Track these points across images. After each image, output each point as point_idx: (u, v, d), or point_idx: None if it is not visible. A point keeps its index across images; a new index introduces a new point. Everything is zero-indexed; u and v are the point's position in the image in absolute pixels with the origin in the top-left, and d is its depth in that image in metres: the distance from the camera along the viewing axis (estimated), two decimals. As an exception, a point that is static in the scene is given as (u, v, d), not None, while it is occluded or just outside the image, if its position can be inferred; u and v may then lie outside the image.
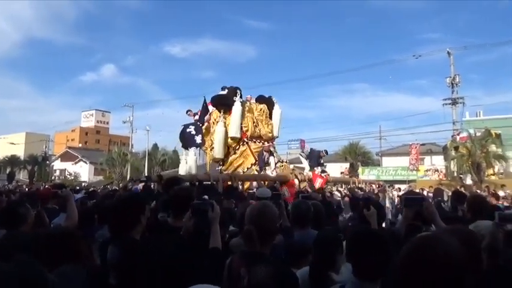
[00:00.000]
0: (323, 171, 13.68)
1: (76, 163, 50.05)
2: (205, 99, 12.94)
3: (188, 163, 12.88)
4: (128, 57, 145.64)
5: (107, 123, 76.99)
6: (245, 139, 12.54)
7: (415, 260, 1.19)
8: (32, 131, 65.58)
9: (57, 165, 52.54)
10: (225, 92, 13.07)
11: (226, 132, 12.18)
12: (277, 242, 2.86)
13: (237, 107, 12.11)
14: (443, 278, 1.14)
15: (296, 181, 11.48)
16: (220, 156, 12.24)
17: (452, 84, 31.49)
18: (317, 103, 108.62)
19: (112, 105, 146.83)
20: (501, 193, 12.17)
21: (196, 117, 13.31)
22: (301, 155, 15.62)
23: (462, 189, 13.49)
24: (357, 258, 1.96)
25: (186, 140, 12.88)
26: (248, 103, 13.00)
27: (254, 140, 12.75)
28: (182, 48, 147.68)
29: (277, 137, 13.80)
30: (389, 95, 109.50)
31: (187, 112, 13.94)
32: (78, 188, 15.78)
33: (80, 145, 65.84)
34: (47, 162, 50.26)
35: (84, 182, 41.19)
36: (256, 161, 12.09)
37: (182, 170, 13.15)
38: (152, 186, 8.83)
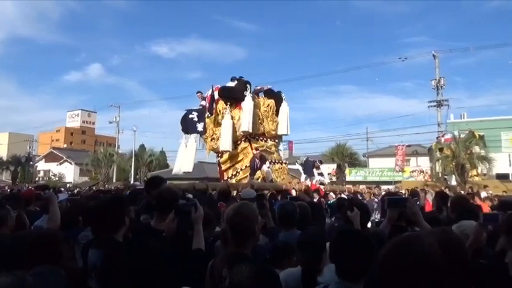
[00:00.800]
0: (321, 183, 13.27)
1: (61, 164, 49.24)
2: (213, 88, 12.62)
3: (188, 147, 12.70)
4: (114, 56, 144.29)
5: (93, 123, 75.97)
6: (248, 136, 12.21)
7: (394, 259, 1.20)
8: (15, 131, 64.47)
9: (41, 166, 51.63)
10: (233, 83, 12.70)
11: (233, 125, 11.87)
12: (262, 243, 2.86)
13: (248, 102, 11.77)
14: (421, 278, 1.15)
15: (293, 192, 11.05)
16: (228, 148, 11.81)
17: (437, 86, 32.02)
18: (303, 105, 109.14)
19: (98, 105, 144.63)
20: (483, 194, 12.38)
21: (203, 102, 13.09)
22: (296, 162, 15.36)
23: (446, 190, 13.72)
24: (341, 258, 1.97)
25: (188, 125, 12.61)
26: (256, 97, 12.63)
27: (257, 137, 12.43)
28: (169, 49, 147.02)
29: (286, 134, 13.39)
30: (376, 97, 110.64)
31: (197, 93, 13.63)
32: (62, 188, 15.52)
33: (65, 145, 64.86)
34: (31, 163, 49.35)
35: (69, 183, 40.56)
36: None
37: (181, 154, 13.00)
38: None
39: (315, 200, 8.70)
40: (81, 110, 75.18)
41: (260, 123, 12.43)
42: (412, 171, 33.72)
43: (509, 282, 1.96)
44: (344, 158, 38.77)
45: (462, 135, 24.52)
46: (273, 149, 13.09)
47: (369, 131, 43.04)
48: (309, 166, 14.38)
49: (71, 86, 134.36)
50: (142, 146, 45.36)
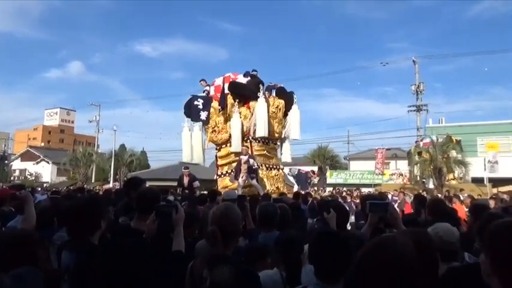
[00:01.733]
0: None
1: (38, 163, 47.99)
2: (223, 80, 12.21)
3: (194, 138, 12.42)
4: (95, 54, 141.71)
5: (72, 122, 74.38)
6: (250, 137, 11.66)
7: (370, 260, 1.22)
8: (-10, 129, 62.48)
9: (17, 165, 50.20)
10: (245, 80, 12.11)
11: (242, 125, 11.44)
12: (241, 244, 2.86)
13: (261, 104, 11.33)
14: (396, 278, 1.17)
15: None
16: (238, 149, 11.24)
17: (416, 91, 32.75)
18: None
19: (78, 104, 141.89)
20: (463, 196, 12.67)
21: (207, 87, 12.72)
22: (288, 174, 14.55)
23: (424, 193, 14.02)
24: (320, 260, 1.98)
25: (191, 111, 12.21)
26: (267, 96, 12.10)
27: (259, 139, 11.82)
28: (152, 48, 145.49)
29: (296, 139, 12.84)
30: (358, 101, 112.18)
31: (200, 81, 13.19)
32: (39, 188, 15.12)
33: (43, 144, 63.24)
34: (6, 161, 47.96)
35: (46, 182, 39.62)
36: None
37: (186, 141, 12.61)
38: None
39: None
40: (60, 108, 73.49)
41: (277, 121, 12.06)
42: (392, 174, 34.28)
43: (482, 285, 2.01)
44: (325, 160, 39.14)
45: (440, 140, 25.12)
46: (273, 153, 12.62)
47: (351, 134, 43.62)
48: (302, 179, 13.99)
49: (50, 84, 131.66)
50: (122, 146, 44.61)
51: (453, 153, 24.63)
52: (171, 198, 4.88)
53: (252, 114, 11.64)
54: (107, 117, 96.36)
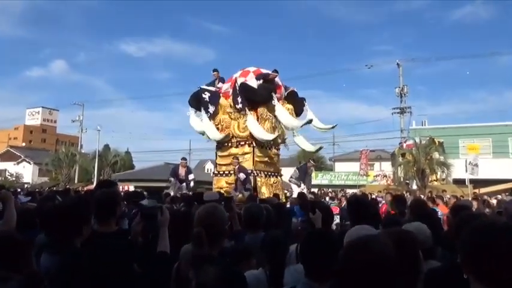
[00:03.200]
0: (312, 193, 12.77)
1: (18, 163, 46.94)
2: (236, 81, 11.67)
3: (205, 122, 11.95)
4: (80, 53, 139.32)
5: (55, 121, 73.01)
6: (254, 142, 11.38)
7: (351, 259, 1.25)
8: (-32, 128, 60.86)
9: (-3, 165, 49.08)
10: (255, 83, 11.58)
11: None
12: (227, 245, 2.86)
13: (280, 109, 11.36)
14: (377, 276, 1.20)
15: None
16: (265, 137, 11.10)
17: (400, 94, 33.26)
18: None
19: (61, 103, 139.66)
20: (446, 197, 12.91)
21: (220, 84, 12.45)
22: (290, 181, 13.74)
23: (407, 194, 14.22)
24: (309, 259, 2.00)
25: (201, 104, 11.94)
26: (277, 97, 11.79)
27: (262, 145, 11.56)
28: (138, 48, 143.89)
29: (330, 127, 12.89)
30: (343, 103, 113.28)
31: (213, 71, 12.88)
32: (19, 189, 14.78)
33: (24, 144, 61.92)
34: (-15, 161, 46.81)
35: (27, 183, 38.78)
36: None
37: (197, 125, 12.26)
38: None
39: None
40: (42, 107, 72.07)
41: (273, 128, 11.69)
42: (376, 176, 34.72)
43: (461, 284, 2.05)
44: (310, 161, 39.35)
45: (423, 142, 25.54)
46: (274, 159, 12.40)
47: (336, 136, 43.92)
48: (303, 170, 13.91)
49: (33, 83, 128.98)
50: (106, 146, 44.06)
51: (436, 155, 25.10)
52: (145, 202, 4.69)
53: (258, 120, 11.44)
54: (92, 117, 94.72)
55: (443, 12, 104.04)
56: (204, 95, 11.89)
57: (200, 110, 12.17)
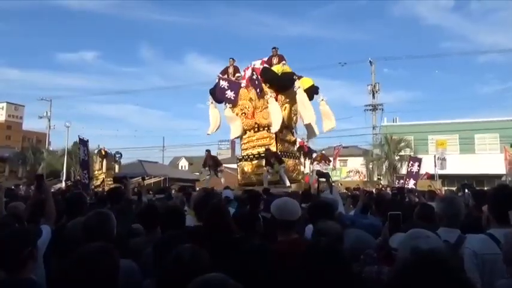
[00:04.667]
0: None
1: (-19, 161, 44.80)
2: (254, 71, 12.26)
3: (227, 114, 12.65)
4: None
5: (21, 117, 70.12)
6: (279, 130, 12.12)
7: None
8: None
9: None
10: (276, 66, 12.43)
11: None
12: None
13: (302, 95, 11.74)
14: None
15: None
16: (278, 129, 11.69)
17: (372, 91, 33.90)
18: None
19: (26, 99, 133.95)
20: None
21: (238, 74, 13.05)
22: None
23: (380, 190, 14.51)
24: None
25: (216, 92, 12.61)
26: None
27: (281, 129, 12.16)
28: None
29: (332, 128, 13.31)
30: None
31: (230, 59, 13.68)
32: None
33: (-14, 141, 59.13)
34: None
35: (-10, 182, 37.07)
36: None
37: (214, 114, 12.99)
38: None
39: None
40: (7, 102, 68.99)
41: (294, 115, 12.54)
42: (349, 172, 35.29)
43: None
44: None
45: (394, 137, 26.18)
46: (292, 142, 13.33)
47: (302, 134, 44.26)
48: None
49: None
50: (76, 143, 42.68)
51: (406, 151, 25.78)
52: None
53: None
54: (62, 114, 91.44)
55: (412, 11, 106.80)
56: (222, 83, 12.45)
57: (220, 102, 12.91)
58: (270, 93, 11.89)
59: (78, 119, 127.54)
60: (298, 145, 14.68)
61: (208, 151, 13.79)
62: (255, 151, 12.31)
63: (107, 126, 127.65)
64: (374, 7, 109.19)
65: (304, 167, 14.96)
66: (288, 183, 11.30)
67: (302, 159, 14.35)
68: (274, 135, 12.11)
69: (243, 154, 12.90)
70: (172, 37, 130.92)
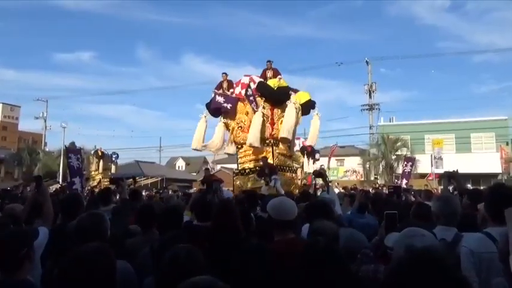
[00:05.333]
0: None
1: (-24, 162, 44.55)
2: (249, 86, 12.31)
3: (217, 130, 12.69)
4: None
5: (16, 118, 69.79)
6: (271, 140, 12.03)
7: None
8: None
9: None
10: (273, 80, 12.48)
11: (264, 123, 11.77)
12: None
13: (290, 110, 11.77)
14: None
15: None
16: (255, 144, 11.57)
17: (369, 91, 33.98)
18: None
19: (22, 99, 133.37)
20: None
21: (232, 89, 13.07)
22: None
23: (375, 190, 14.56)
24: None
25: (213, 106, 12.64)
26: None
27: (277, 143, 12.17)
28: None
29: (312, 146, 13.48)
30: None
31: (222, 74, 13.68)
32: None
33: (-18, 142, 58.85)
34: None
35: (-15, 183, 36.90)
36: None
37: (201, 127, 13.00)
38: None
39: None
40: (3, 103, 68.65)
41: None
42: (346, 171, 35.36)
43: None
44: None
45: (391, 137, 26.24)
46: (288, 155, 13.18)
47: (307, 132, 44.32)
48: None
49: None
50: (72, 144, 42.50)
51: (403, 150, 25.85)
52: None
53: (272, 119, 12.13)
54: (57, 114, 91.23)
55: (407, 11, 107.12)
56: (218, 98, 12.50)
57: (217, 116, 12.93)
58: (261, 107, 11.94)
59: (74, 119, 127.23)
60: (301, 145, 14.78)
61: (206, 170, 13.55)
62: (251, 165, 12.19)
63: (104, 127, 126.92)
64: (370, 7, 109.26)
65: (308, 167, 15.00)
66: (283, 193, 11.13)
67: (305, 159, 14.33)
68: (270, 149, 12.11)
69: (239, 168, 12.81)
70: (169, 37, 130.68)
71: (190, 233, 2.69)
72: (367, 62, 34.57)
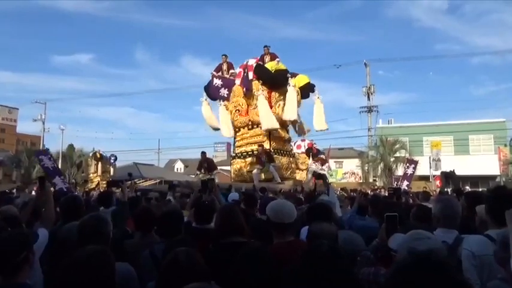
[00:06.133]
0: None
1: (-26, 164, 44.39)
2: (246, 68, 12.45)
3: (221, 115, 12.63)
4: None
5: (15, 120, 69.59)
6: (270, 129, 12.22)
7: None
8: None
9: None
10: (270, 63, 12.52)
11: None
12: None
13: (292, 92, 11.81)
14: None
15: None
16: (270, 126, 11.67)
17: (368, 93, 34.02)
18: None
19: (21, 101, 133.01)
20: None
21: (232, 71, 13.12)
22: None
23: (374, 192, 14.56)
24: None
25: (210, 90, 12.65)
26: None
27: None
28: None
29: (325, 129, 13.50)
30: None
31: (222, 55, 13.70)
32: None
33: (-20, 144, 58.59)
34: None
35: (-17, 185, 36.78)
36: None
37: (207, 113, 13.08)
38: None
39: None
40: (1, 105, 68.45)
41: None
42: (345, 173, 35.37)
43: None
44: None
45: (389, 139, 26.26)
46: (287, 139, 13.45)
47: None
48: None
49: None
50: (71, 146, 42.45)
51: (402, 152, 25.86)
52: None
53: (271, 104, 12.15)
54: (56, 116, 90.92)
55: (406, 14, 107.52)
56: (216, 81, 12.54)
57: (214, 99, 12.91)
58: (261, 91, 11.92)
59: (73, 121, 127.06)
60: (306, 146, 14.81)
61: (203, 153, 13.76)
62: (248, 148, 12.39)
63: (102, 129, 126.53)
64: (368, 9, 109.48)
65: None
66: (279, 180, 11.36)
67: (311, 160, 14.37)
68: (267, 133, 12.17)
69: (236, 152, 12.96)
70: (168, 39, 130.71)
71: (193, 236, 2.68)
72: (365, 64, 34.66)
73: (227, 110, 12.78)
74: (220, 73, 13.18)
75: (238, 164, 12.62)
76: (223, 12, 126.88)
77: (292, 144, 14.69)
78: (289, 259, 1.85)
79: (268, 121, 11.60)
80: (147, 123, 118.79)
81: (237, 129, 12.89)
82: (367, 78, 34.63)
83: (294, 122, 12.41)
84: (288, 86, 12.00)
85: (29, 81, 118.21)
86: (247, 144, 12.50)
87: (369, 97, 33.99)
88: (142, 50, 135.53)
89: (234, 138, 13.24)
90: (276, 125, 11.73)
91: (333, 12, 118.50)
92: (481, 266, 2.16)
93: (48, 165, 10.32)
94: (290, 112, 11.80)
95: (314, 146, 14.96)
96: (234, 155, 13.16)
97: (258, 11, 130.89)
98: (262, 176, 11.49)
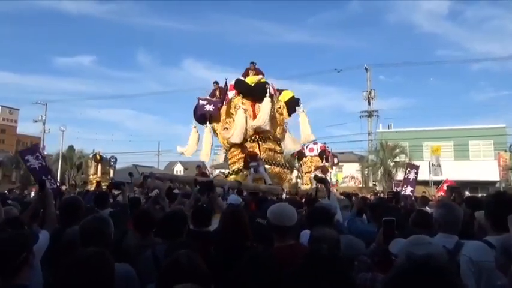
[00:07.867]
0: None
1: (-26, 165, 44.37)
2: (226, 83, 12.79)
3: (204, 137, 12.86)
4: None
5: (15, 121, 69.62)
6: (256, 136, 12.35)
7: None
8: None
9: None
10: (250, 77, 12.83)
11: (246, 120, 12.02)
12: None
13: (266, 102, 12.04)
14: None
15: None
16: (238, 141, 11.96)
17: (368, 98, 34.08)
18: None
19: (21, 102, 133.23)
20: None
21: (217, 93, 13.26)
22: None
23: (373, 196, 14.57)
24: None
25: (197, 111, 12.81)
26: (274, 95, 12.80)
27: (264, 139, 12.54)
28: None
29: (311, 140, 13.87)
30: (313, 106, 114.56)
31: (213, 83, 13.84)
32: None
33: (-20, 145, 58.64)
34: None
35: (-17, 186, 36.74)
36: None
37: (193, 139, 13.15)
38: None
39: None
40: (1, 106, 68.51)
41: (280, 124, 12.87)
42: (345, 177, 35.34)
43: None
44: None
45: (389, 144, 26.25)
46: (278, 150, 13.48)
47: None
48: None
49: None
50: (71, 147, 42.44)
51: (401, 157, 25.86)
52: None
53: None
54: (57, 118, 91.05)
55: (406, 19, 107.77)
56: (201, 102, 12.76)
57: (201, 119, 13.06)
58: (241, 105, 12.18)
59: (73, 123, 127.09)
60: (319, 149, 14.92)
61: (199, 167, 13.14)
62: (241, 165, 12.35)
63: (102, 131, 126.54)
64: (369, 14, 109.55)
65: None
66: (269, 180, 11.36)
67: (325, 163, 14.49)
68: (257, 145, 12.38)
69: (230, 170, 13.05)
70: (170, 43, 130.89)
71: (195, 240, 2.69)
72: (366, 69, 34.71)
73: (215, 132, 13.09)
74: (214, 99, 13.37)
75: (233, 179, 12.68)
76: (225, 16, 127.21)
77: (305, 147, 14.75)
78: (291, 263, 1.86)
79: (236, 135, 11.91)
80: (148, 125, 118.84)
81: (227, 149, 13.09)
82: (367, 83, 34.72)
83: (259, 130, 12.41)
84: (265, 96, 12.26)
85: (29, 82, 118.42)
86: (239, 159, 12.55)
87: (369, 102, 34.05)
88: (144, 53, 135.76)
89: (226, 155, 13.31)
90: (237, 140, 12.03)
91: (334, 17, 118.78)
92: (479, 272, 2.16)
93: (34, 165, 9.70)
94: (261, 120, 12.01)
95: (327, 148, 15.04)
96: (227, 173, 13.23)
97: (260, 15, 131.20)
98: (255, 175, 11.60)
